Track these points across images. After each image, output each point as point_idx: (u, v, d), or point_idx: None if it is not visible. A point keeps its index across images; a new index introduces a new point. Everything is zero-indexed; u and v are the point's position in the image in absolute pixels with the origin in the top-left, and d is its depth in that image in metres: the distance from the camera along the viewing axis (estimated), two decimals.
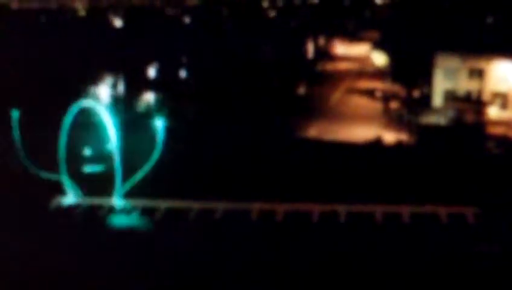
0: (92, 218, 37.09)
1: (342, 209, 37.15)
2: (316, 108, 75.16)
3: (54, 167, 38.79)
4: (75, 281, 29.45)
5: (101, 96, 72.10)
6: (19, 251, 31.98)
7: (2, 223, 34.89)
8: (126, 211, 37.36)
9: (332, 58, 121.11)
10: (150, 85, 79.26)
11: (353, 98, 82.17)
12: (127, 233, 35.42)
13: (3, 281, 29.70)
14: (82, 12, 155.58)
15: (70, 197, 38.87)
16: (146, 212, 37.45)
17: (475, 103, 68.32)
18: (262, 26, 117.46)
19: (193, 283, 29.74)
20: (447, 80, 70.85)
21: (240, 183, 40.56)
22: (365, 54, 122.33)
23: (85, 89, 72.38)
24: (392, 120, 68.33)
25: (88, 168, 43.15)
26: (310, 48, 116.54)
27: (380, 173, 42.90)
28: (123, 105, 67.08)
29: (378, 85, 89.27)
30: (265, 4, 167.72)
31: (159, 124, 38.22)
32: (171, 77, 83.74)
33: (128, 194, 38.35)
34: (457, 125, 64.35)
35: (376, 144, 55.74)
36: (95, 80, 76.23)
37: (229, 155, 46.82)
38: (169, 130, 39.88)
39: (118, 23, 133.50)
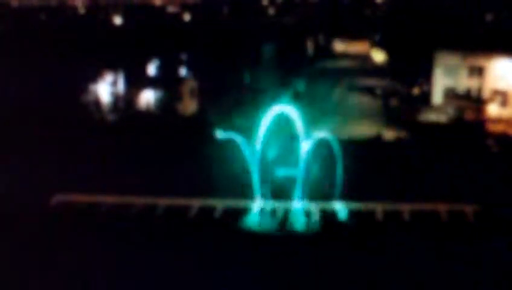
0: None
1: (342, 207, 37.22)
2: (316, 106, 75.01)
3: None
4: None
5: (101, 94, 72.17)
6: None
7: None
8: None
9: (332, 56, 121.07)
10: (150, 83, 79.09)
11: (353, 96, 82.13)
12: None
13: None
14: (82, 10, 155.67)
15: (259, 201, 37.49)
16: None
17: (475, 101, 68.31)
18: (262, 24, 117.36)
19: None
20: (446, 77, 70.82)
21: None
22: (365, 51, 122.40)
23: (85, 87, 72.36)
24: (392, 117, 68.28)
25: (281, 172, 40.64)
26: (310, 46, 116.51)
27: (380, 171, 42.92)
28: None
29: (378, 82, 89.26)
30: (264, 2, 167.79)
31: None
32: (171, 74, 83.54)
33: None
34: (457, 122, 64.40)
35: (376, 141, 55.73)
36: (94, 77, 76.11)
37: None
38: None
39: (117, 20, 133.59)
